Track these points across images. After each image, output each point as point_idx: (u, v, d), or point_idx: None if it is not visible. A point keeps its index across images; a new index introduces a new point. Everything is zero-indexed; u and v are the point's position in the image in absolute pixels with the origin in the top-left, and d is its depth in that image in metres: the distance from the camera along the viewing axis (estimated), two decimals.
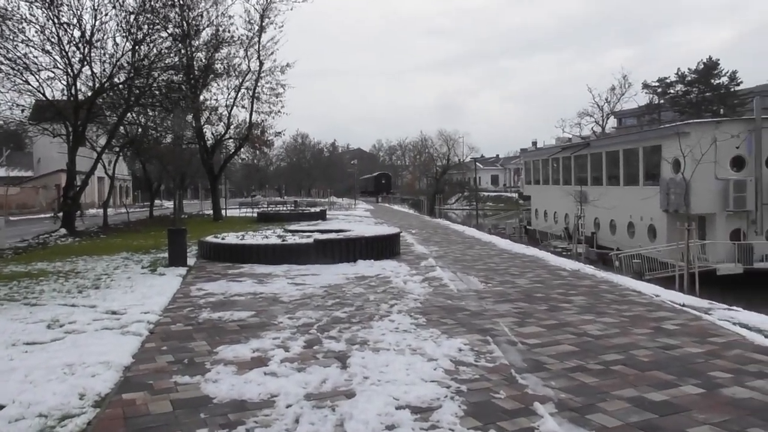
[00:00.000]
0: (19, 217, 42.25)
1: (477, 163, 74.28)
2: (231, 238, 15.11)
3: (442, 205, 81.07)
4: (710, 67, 59.06)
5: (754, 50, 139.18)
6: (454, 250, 16.33)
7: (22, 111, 24.67)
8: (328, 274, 11.38)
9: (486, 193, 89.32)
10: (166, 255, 13.36)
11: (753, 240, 22.48)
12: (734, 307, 8.61)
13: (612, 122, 75.35)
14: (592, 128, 68.60)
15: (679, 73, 61.05)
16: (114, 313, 7.91)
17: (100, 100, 23.59)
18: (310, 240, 13.61)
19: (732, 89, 58.56)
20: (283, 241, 13.99)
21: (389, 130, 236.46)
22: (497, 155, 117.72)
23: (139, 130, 29.28)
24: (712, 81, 59.01)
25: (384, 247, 14.29)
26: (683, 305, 8.26)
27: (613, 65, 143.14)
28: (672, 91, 62.19)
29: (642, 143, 27.64)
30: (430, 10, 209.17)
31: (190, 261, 13.62)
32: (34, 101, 24.52)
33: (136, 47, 21.93)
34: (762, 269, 21.19)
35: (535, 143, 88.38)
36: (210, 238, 14.92)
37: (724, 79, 58.96)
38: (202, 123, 32.59)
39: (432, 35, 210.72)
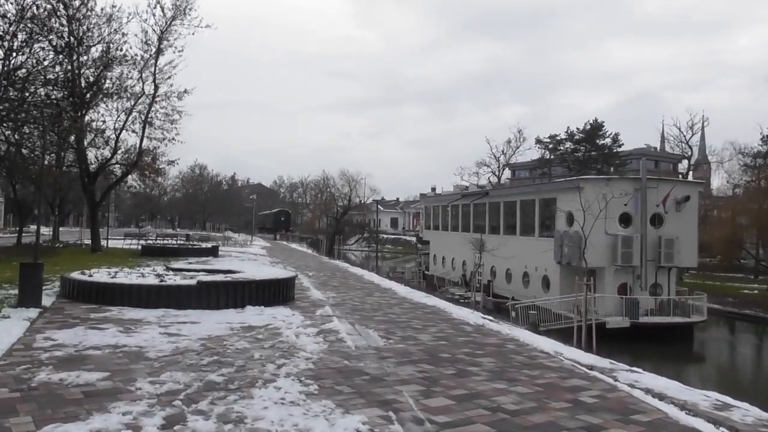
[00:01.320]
0: None
1: (378, 206, 74.40)
2: (101, 274, 13.26)
3: (341, 245, 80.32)
4: (596, 128, 63.27)
5: (631, 116, 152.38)
6: (353, 296, 15.36)
7: None
8: (210, 323, 10.01)
9: (385, 236, 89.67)
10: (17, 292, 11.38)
11: (638, 294, 23.32)
12: (635, 368, 8.32)
13: (507, 174, 78.97)
14: (488, 178, 71.40)
15: (569, 131, 64.94)
16: None
17: None
18: (193, 281, 12.15)
19: (615, 150, 62.94)
20: (162, 281, 12.42)
21: (291, 167, 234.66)
22: (398, 198, 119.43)
23: (11, 148, 26.31)
24: (597, 141, 63.19)
25: (277, 292, 13.05)
26: (591, 367, 7.83)
27: (508, 120, 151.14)
28: (562, 147, 65.91)
29: (538, 195, 28.37)
30: (333, 52, 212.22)
31: (48, 300, 11.72)
32: None
33: (9, 56, 19.61)
34: (646, 324, 21.93)
35: (434, 189, 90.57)
36: (75, 275, 13.00)
37: (608, 140, 63.32)
38: (85, 145, 29.89)
39: (334, 77, 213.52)
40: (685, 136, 61.22)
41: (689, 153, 62.28)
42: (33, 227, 32.33)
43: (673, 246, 23.98)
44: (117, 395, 5.70)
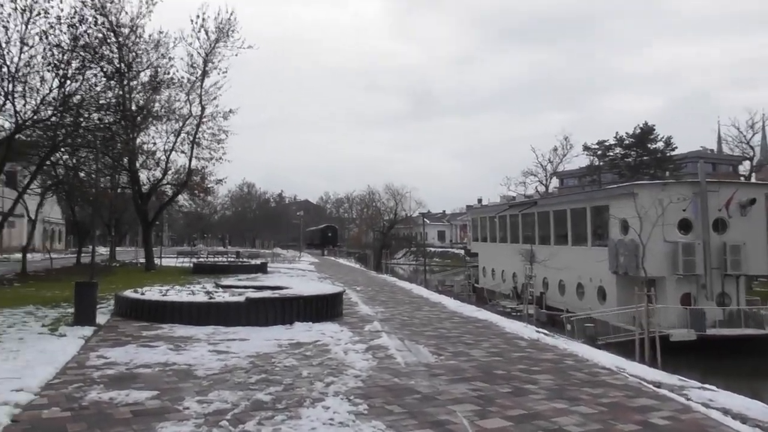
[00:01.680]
0: None
1: (424, 219, 74.01)
2: (153, 292, 13.44)
3: (388, 259, 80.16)
4: (646, 131, 61.32)
5: (683, 118, 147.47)
6: (402, 311, 15.09)
7: None
8: (259, 340, 9.93)
9: (433, 249, 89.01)
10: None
11: (704, 305, 22.18)
12: (707, 386, 7.75)
13: (555, 182, 77.29)
14: (536, 187, 69.95)
15: (618, 136, 63.13)
16: None
17: (22, 137, 21.67)
18: (242, 298, 12.14)
19: (668, 154, 60.78)
20: (211, 298, 12.47)
21: (336, 183, 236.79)
22: (444, 211, 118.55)
23: (69, 172, 27.31)
24: (649, 145, 61.16)
25: (325, 308, 12.92)
26: (659, 385, 7.33)
27: (552, 127, 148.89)
28: (611, 153, 64.13)
29: (589, 203, 27.52)
30: (372, 67, 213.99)
31: (103, 318, 11.90)
32: None
33: (64, 83, 20.32)
34: (715, 336, 20.76)
35: (480, 200, 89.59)
36: (128, 293, 13.21)
37: (660, 144, 61.22)
38: (138, 167, 30.78)
39: (374, 91, 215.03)
40: (745, 136, 58.11)
41: (751, 154, 59.23)
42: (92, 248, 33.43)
43: (740, 252, 22.71)
44: (164, 414, 5.61)
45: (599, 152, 65.18)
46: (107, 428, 5.20)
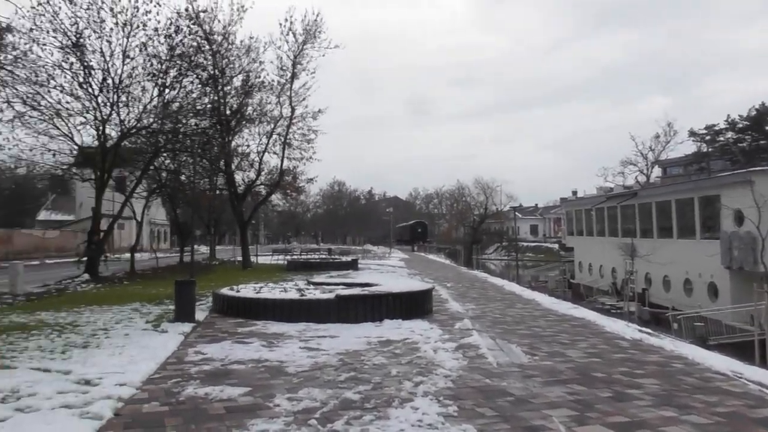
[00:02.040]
0: (55, 260, 42.32)
1: (516, 212, 72.25)
2: (247, 290, 13.87)
3: (479, 255, 79.06)
4: (763, 113, 56.59)
5: None
6: (493, 308, 14.69)
7: (54, 155, 24.33)
8: (348, 337, 9.95)
9: (525, 243, 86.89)
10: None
11: None
12: None
13: (657, 172, 72.90)
14: (636, 177, 66.17)
15: (729, 120, 58.72)
16: (87, 382, 6.64)
17: (128, 144, 23.15)
18: (332, 295, 12.25)
19: None
20: (302, 295, 12.67)
21: (425, 179, 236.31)
22: (536, 204, 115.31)
23: (168, 176, 28.90)
24: (767, 128, 56.34)
25: (414, 305, 12.80)
26: None
27: (651, 113, 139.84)
28: (721, 138, 59.77)
29: (697, 192, 25.69)
30: (458, 60, 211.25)
31: (202, 315, 12.41)
32: (69, 147, 24.27)
33: (163, 92, 21.48)
34: None
35: (575, 192, 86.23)
36: (224, 291, 13.70)
37: None
38: (233, 169, 32.06)
39: (460, 84, 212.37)
40: None
41: None
42: (195, 247, 35.32)
43: None
44: (256, 411, 5.67)
45: (707, 138, 60.94)
46: (201, 423, 5.32)
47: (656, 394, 6.42)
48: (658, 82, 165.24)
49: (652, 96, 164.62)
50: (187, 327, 10.83)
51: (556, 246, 74.23)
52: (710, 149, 61.03)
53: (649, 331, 11.72)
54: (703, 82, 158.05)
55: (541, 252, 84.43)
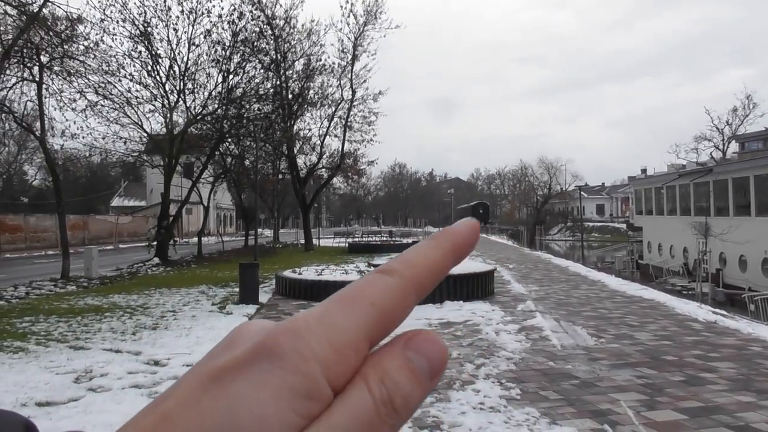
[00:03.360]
0: (128, 245, 44.37)
1: (581, 192, 70.17)
2: (309, 272, 14.06)
3: (543, 236, 77.42)
4: None
5: None
6: (557, 290, 14.33)
7: (125, 143, 25.34)
8: (409, 319, 9.64)
9: (591, 224, 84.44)
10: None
11: None
12: None
13: (734, 147, 68.94)
14: (710, 153, 62.78)
15: None
16: (155, 363, 6.92)
17: (194, 131, 23.81)
18: None
19: None
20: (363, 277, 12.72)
21: (486, 160, 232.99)
22: (603, 183, 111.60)
23: (233, 161, 29.61)
24: None
25: (475, 286, 12.64)
26: None
27: (728, 86, 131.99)
28: None
29: None
30: (519, 39, 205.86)
31: (265, 297, 12.70)
32: (141, 135, 25.22)
33: (227, 78, 21.93)
34: None
35: (644, 171, 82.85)
36: (287, 273, 13.94)
37: None
38: (295, 153, 32.51)
39: (523, 63, 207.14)
40: None
41: None
42: (258, 231, 36.17)
43: None
44: None
45: None
46: None
47: (732, 378, 6.09)
48: (734, 55, 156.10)
49: (727, 69, 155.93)
50: (251, 309, 11.11)
51: (624, 226, 71.74)
52: None
53: (724, 312, 11.15)
54: None
55: (607, 232, 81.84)
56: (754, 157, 34.19)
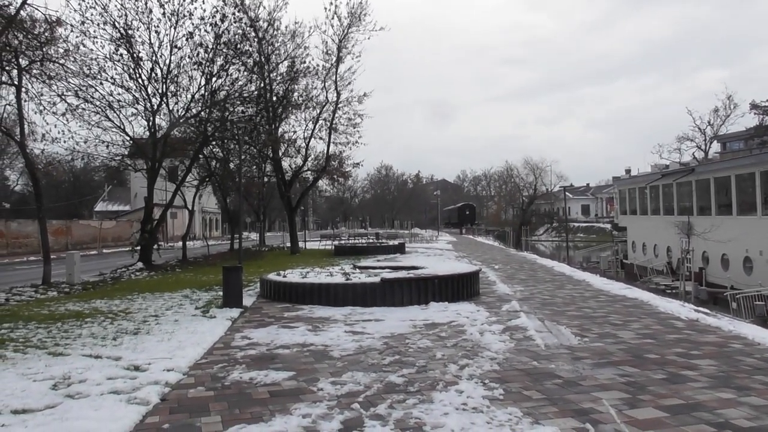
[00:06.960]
0: (112, 249, 43.92)
1: (566, 193, 70.61)
2: (294, 275, 13.98)
3: (529, 236, 77.77)
4: None
5: None
6: (542, 290, 14.39)
7: (107, 147, 25.07)
8: (393, 320, 9.90)
9: (576, 224, 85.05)
10: None
11: None
12: None
13: (716, 147, 69.72)
14: (693, 153, 63.52)
15: None
16: (136, 368, 6.81)
17: (177, 134, 23.63)
18: (377, 279, 12.22)
19: None
20: (348, 279, 12.68)
21: (472, 161, 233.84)
22: (587, 184, 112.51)
23: (217, 164, 29.43)
24: None
25: (460, 287, 12.65)
26: None
27: (708, 87, 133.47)
28: None
29: (760, 167, 24.43)
30: (501, 40, 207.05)
31: (249, 300, 12.61)
32: (123, 138, 24.93)
33: (210, 80, 21.78)
34: None
35: (628, 171, 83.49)
36: (271, 276, 13.86)
37: None
38: (280, 155, 32.38)
39: (504, 65, 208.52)
40: None
41: None
42: (244, 234, 35.93)
43: None
44: (299, 396, 5.68)
45: None
46: (245, 408, 5.36)
47: (713, 375, 6.13)
48: (713, 55, 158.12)
49: (707, 69, 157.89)
50: (234, 312, 11.00)
51: (609, 226, 72.28)
52: None
53: (706, 310, 11.24)
54: (761, 51, 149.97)
55: (593, 232, 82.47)
56: (735, 156, 34.61)
